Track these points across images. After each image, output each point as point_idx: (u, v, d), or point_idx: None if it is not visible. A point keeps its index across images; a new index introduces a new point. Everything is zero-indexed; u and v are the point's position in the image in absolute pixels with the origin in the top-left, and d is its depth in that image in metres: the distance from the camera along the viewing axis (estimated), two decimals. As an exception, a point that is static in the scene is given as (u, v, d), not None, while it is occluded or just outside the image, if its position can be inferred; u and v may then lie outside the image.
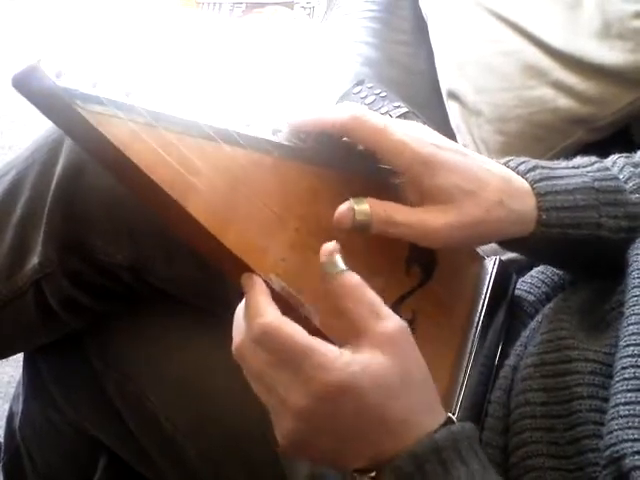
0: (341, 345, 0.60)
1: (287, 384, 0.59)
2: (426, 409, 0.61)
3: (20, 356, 1.06)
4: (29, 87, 0.57)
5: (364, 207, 0.65)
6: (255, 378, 0.61)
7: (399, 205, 0.67)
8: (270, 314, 0.59)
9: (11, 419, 1.08)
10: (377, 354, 0.59)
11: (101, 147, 0.59)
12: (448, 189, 0.67)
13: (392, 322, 0.60)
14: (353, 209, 0.65)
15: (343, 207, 0.65)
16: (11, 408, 1.10)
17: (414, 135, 0.68)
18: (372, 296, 0.61)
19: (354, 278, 0.61)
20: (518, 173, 0.71)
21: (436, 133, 0.70)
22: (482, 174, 0.68)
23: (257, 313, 0.60)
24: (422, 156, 0.67)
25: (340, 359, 0.58)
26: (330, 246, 0.61)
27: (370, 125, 0.67)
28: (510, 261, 0.83)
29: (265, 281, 0.62)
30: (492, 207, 0.67)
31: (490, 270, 0.79)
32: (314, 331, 0.61)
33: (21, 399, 1.04)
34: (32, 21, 2.32)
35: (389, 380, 0.59)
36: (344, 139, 0.70)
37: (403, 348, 0.60)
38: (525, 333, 0.74)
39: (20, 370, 1.08)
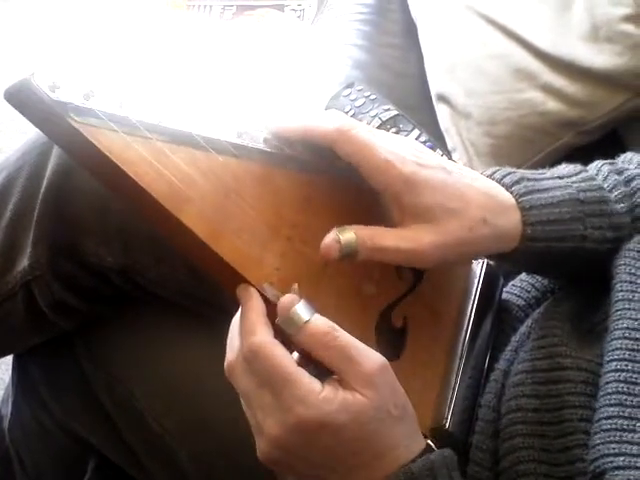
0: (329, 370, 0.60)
1: (265, 409, 0.60)
2: (403, 444, 0.62)
3: (9, 359, 1.06)
4: (22, 101, 0.57)
5: (349, 237, 0.64)
6: (242, 397, 0.62)
7: (385, 229, 0.66)
8: (262, 334, 0.60)
9: (0, 421, 1.08)
10: (355, 395, 0.59)
11: (95, 159, 0.59)
12: (431, 208, 0.66)
13: (367, 363, 0.60)
14: (339, 241, 0.64)
15: (328, 239, 0.64)
16: (0, 410, 1.10)
17: (397, 153, 0.66)
18: (343, 340, 0.60)
19: (319, 327, 0.60)
20: (503, 185, 0.70)
21: (421, 148, 0.69)
22: (465, 191, 0.67)
23: (250, 330, 0.60)
24: (403, 175, 0.66)
25: (320, 395, 0.59)
26: (285, 302, 0.61)
27: (355, 141, 0.66)
28: (498, 264, 0.83)
29: (259, 291, 0.62)
30: (476, 225, 0.67)
31: (478, 273, 0.79)
32: None
33: (10, 401, 1.04)
34: (23, 28, 2.32)
35: (367, 418, 0.59)
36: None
37: (381, 387, 0.60)
38: (515, 338, 0.73)
39: (9, 373, 1.08)
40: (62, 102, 0.57)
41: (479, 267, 0.79)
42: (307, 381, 0.59)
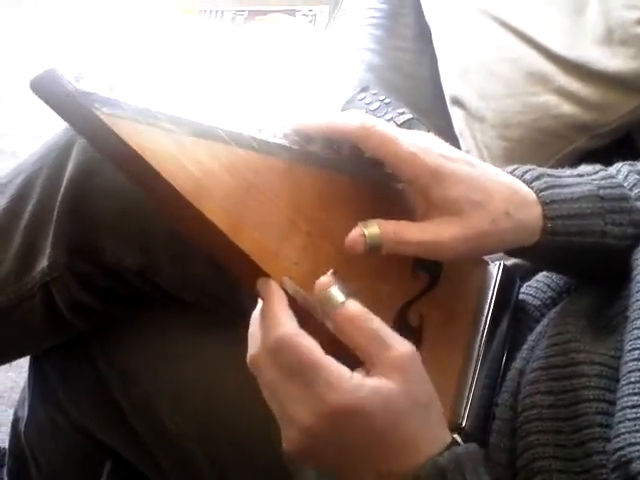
0: (355, 356, 0.61)
1: (296, 399, 0.60)
2: (430, 435, 0.62)
3: (23, 361, 1.06)
4: (48, 90, 0.57)
5: (374, 231, 0.65)
6: (267, 390, 0.62)
7: (407, 223, 0.67)
8: (288, 325, 0.60)
9: (16, 424, 1.09)
10: (386, 381, 0.59)
11: (118, 149, 0.59)
12: (456, 200, 0.67)
13: (398, 350, 0.61)
14: (364, 234, 0.65)
15: (353, 234, 0.65)
16: (16, 413, 1.10)
17: (423, 146, 0.68)
18: (376, 324, 0.61)
19: (354, 309, 0.61)
20: (524, 181, 0.71)
21: (444, 143, 0.70)
22: (489, 185, 0.69)
23: (275, 323, 0.60)
24: (430, 167, 0.67)
25: (351, 382, 0.59)
26: (323, 280, 0.62)
27: (379, 135, 0.67)
28: (514, 266, 0.84)
29: (279, 285, 0.62)
30: (498, 218, 0.68)
31: (495, 275, 0.79)
32: (329, 336, 0.61)
33: (26, 404, 1.04)
34: (36, 31, 2.33)
35: (397, 406, 0.60)
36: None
37: (410, 374, 0.61)
38: (531, 337, 0.74)
39: (23, 375, 1.08)
40: (87, 92, 0.58)
41: (496, 269, 0.80)
42: (337, 368, 0.59)
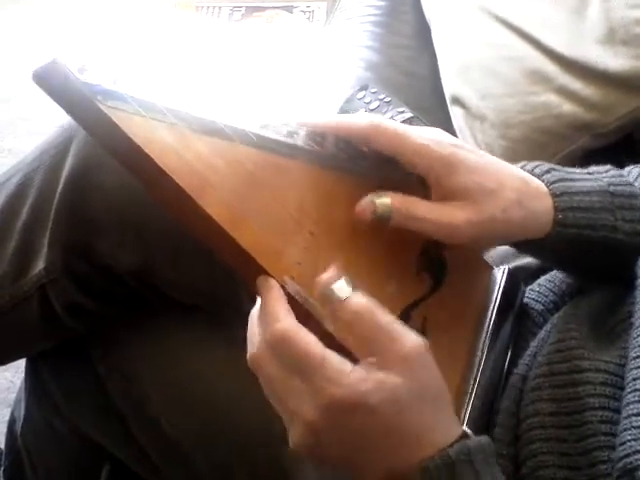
0: (356, 358, 0.59)
1: (298, 394, 0.59)
2: (439, 427, 0.60)
3: (20, 362, 1.05)
4: (51, 82, 0.57)
5: (385, 200, 0.67)
6: (269, 387, 0.61)
7: (419, 200, 0.68)
8: (287, 320, 0.59)
9: (12, 424, 1.08)
10: (391, 375, 0.58)
11: (120, 142, 0.59)
12: (469, 187, 0.68)
13: (405, 343, 0.59)
14: (374, 202, 0.66)
15: (364, 201, 0.67)
16: (12, 413, 1.09)
17: (433, 138, 0.69)
18: (383, 317, 0.60)
19: (360, 302, 0.60)
20: (534, 175, 0.72)
21: (452, 135, 0.71)
22: (501, 175, 0.70)
23: (274, 318, 0.59)
24: (443, 156, 0.68)
25: (352, 375, 0.58)
26: (328, 275, 0.60)
27: (390, 132, 0.68)
28: (517, 269, 0.83)
29: (280, 284, 0.61)
30: (510, 206, 0.68)
31: (499, 280, 0.79)
32: (328, 337, 0.60)
33: (23, 405, 1.03)
34: (34, 27, 2.33)
35: (402, 399, 0.58)
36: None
37: (417, 368, 0.59)
38: (534, 343, 0.73)
39: (19, 376, 1.07)
40: (90, 84, 0.57)
41: (500, 273, 0.79)
42: (337, 362, 0.58)
